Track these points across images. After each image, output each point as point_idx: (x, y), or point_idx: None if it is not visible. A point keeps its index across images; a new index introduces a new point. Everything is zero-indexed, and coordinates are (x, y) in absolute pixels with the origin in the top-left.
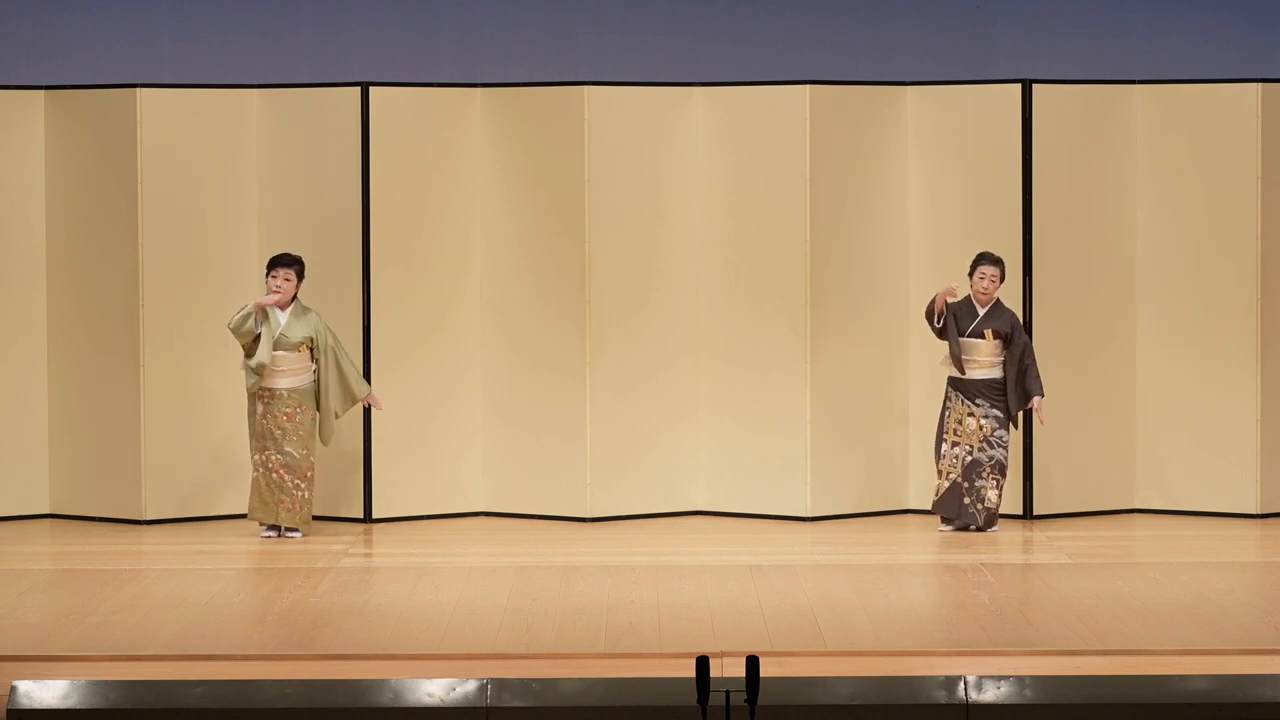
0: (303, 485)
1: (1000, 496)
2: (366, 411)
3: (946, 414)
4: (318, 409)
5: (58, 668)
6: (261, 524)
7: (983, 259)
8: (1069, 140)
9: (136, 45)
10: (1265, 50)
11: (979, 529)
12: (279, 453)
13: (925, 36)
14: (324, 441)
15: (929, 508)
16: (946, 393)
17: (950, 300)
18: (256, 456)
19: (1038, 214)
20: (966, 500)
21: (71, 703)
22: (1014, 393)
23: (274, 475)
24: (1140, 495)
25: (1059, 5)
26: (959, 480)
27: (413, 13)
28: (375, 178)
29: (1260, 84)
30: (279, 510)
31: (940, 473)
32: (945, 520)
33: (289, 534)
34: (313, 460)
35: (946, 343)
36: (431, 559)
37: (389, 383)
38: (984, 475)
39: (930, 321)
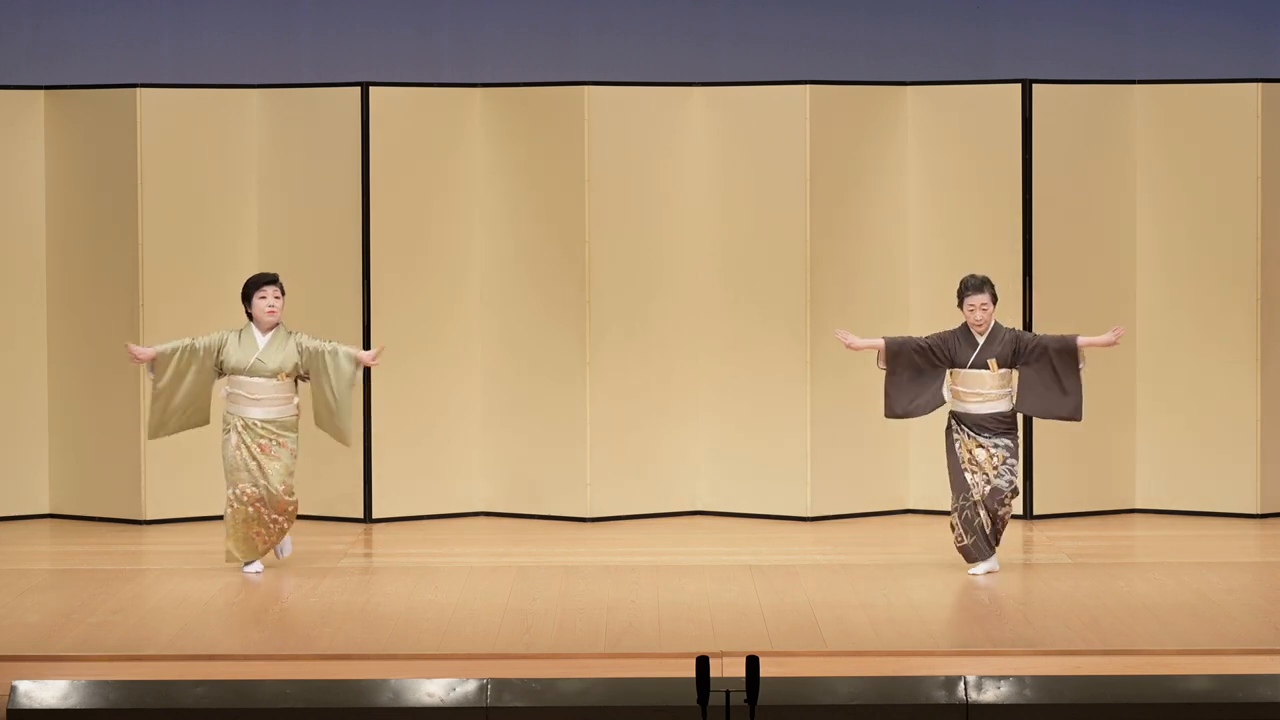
0: (280, 519)
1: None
2: (367, 413)
3: (956, 446)
4: (318, 424)
5: (58, 668)
6: (244, 563)
7: (967, 288)
8: (1069, 140)
9: (136, 45)
10: (1265, 50)
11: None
12: (253, 485)
13: (925, 36)
14: (346, 442)
15: (928, 506)
16: (950, 425)
17: (849, 342)
18: (231, 492)
19: (1038, 214)
20: (988, 532)
21: (71, 703)
22: (1067, 370)
23: (249, 509)
24: (1140, 495)
25: (1059, 5)
26: (982, 522)
27: (413, 13)
28: (375, 178)
29: (1260, 84)
30: (257, 544)
31: (963, 517)
32: (972, 561)
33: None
34: (295, 499)
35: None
36: (431, 559)
37: (389, 382)
38: (1005, 501)
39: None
